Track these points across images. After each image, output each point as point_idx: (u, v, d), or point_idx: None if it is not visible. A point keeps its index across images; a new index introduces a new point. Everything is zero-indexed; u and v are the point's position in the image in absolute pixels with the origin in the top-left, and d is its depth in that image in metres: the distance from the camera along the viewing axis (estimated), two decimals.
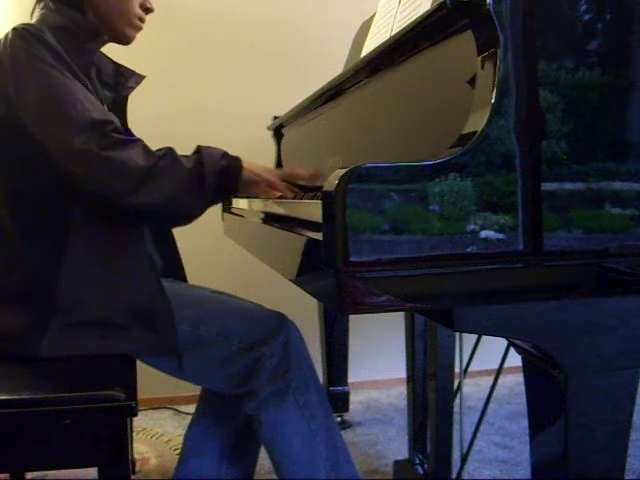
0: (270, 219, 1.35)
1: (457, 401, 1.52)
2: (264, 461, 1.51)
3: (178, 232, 1.46)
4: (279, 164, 2.00)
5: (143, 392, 1.29)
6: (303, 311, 1.77)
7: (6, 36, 1.13)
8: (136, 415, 1.06)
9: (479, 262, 0.76)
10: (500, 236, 0.77)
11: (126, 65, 1.37)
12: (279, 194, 1.23)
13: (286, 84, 2.36)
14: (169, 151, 1.13)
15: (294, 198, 1.23)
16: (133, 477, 1.75)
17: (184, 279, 1.47)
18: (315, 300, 1.97)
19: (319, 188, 0.93)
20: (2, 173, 1.18)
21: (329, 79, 1.41)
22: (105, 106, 1.26)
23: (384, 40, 1.17)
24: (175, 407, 2.39)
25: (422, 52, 1.04)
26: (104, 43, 1.29)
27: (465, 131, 0.80)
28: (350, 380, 2.24)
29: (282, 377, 1.22)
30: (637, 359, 0.86)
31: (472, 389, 2.37)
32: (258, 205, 1.49)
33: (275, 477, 1.29)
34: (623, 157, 0.84)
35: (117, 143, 1.10)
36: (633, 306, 0.85)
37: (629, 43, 0.87)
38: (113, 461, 1.04)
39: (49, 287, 1.14)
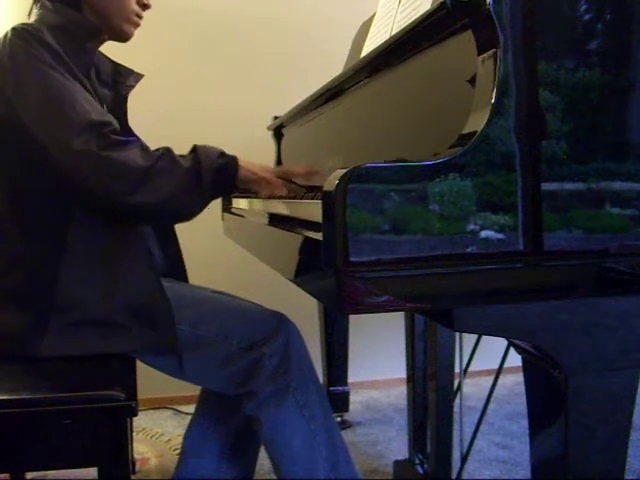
0: (270, 219, 1.35)
1: (457, 401, 1.52)
2: (264, 461, 1.50)
3: (178, 232, 1.47)
4: (279, 164, 2.00)
5: (143, 392, 1.28)
6: (303, 311, 1.77)
7: (5, 36, 1.13)
8: (136, 415, 1.06)
9: (479, 262, 0.76)
10: (500, 236, 0.77)
11: (126, 65, 1.37)
12: (277, 192, 1.23)
13: (286, 84, 2.36)
14: (167, 151, 1.14)
15: (294, 198, 1.23)
16: (133, 477, 1.75)
17: (185, 280, 1.47)
18: (315, 300, 1.96)
19: (317, 186, 0.93)
20: (2, 173, 1.18)
21: (329, 79, 1.41)
22: (105, 105, 1.27)
23: (384, 40, 1.17)
24: (175, 407, 2.39)
25: (422, 52, 1.04)
26: (103, 42, 1.29)
27: (465, 131, 0.80)
28: (350, 380, 2.24)
29: (282, 377, 1.22)
30: (637, 359, 0.86)
31: (472, 389, 2.37)
32: (258, 205, 1.49)
33: (275, 477, 1.29)
34: (623, 157, 0.84)
35: (116, 144, 1.10)
36: (633, 306, 0.85)
37: (629, 43, 0.87)
38: (113, 461, 1.04)
39: (49, 287, 1.14)
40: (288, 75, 2.44)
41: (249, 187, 1.22)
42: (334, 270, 0.74)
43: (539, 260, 0.79)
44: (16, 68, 1.11)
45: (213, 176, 1.14)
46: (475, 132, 0.78)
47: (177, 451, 1.82)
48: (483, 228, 0.76)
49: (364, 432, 2.17)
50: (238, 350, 1.22)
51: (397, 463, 1.72)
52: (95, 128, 1.09)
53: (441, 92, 0.98)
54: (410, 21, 1.04)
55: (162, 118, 2.26)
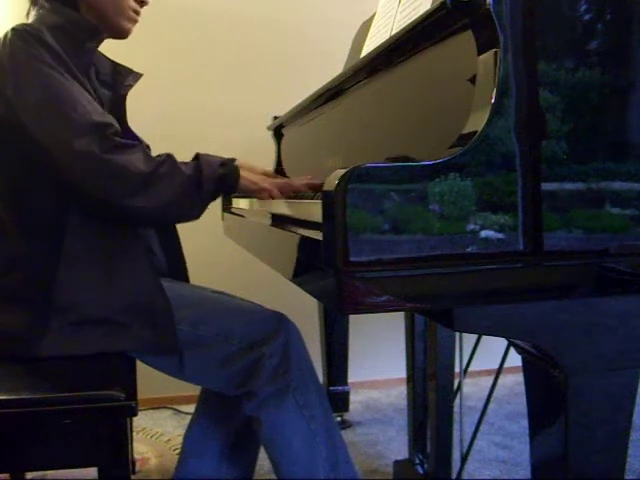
0: (270, 219, 1.35)
1: (457, 401, 1.52)
2: (264, 461, 1.50)
3: (178, 231, 1.47)
4: (279, 164, 2.00)
5: (143, 392, 1.29)
6: (303, 311, 1.77)
7: (5, 36, 1.13)
8: (136, 415, 1.06)
9: (479, 262, 0.76)
10: (500, 236, 0.77)
11: (126, 64, 1.37)
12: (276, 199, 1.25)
13: (286, 84, 2.36)
14: (168, 157, 1.15)
15: (294, 198, 1.23)
16: (133, 477, 1.75)
17: (187, 279, 1.48)
18: (315, 300, 1.97)
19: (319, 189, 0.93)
20: (2, 173, 1.18)
21: (329, 79, 1.41)
22: (104, 105, 1.26)
23: (384, 40, 1.17)
24: (175, 407, 2.39)
25: (422, 52, 1.04)
26: (102, 41, 1.29)
27: (465, 131, 0.80)
28: (350, 380, 2.24)
29: (282, 377, 1.22)
30: (637, 359, 0.86)
31: (472, 389, 2.37)
32: (258, 205, 1.49)
33: (275, 477, 1.29)
34: (623, 157, 0.84)
35: (118, 147, 1.10)
36: (633, 306, 0.85)
37: (629, 43, 0.87)
38: (113, 461, 1.04)
39: (48, 286, 1.14)
40: (288, 75, 2.44)
41: (249, 193, 1.25)
42: (334, 270, 0.74)
43: (539, 260, 0.79)
44: (16, 68, 1.11)
45: (214, 185, 1.16)
46: (475, 132, 0.78)
47: (177, 451, 1.82)
48: (483, 228, 0.76)
49: (364, 432, 2.17)
50: (238, 350, 1.22)
51: (397, 463, 1.72)
52: (97, 129, 1.10)
53: (441, 92, 0.98)
54: (410, 21, 1.04)
55: (162, 118, 2.27)
